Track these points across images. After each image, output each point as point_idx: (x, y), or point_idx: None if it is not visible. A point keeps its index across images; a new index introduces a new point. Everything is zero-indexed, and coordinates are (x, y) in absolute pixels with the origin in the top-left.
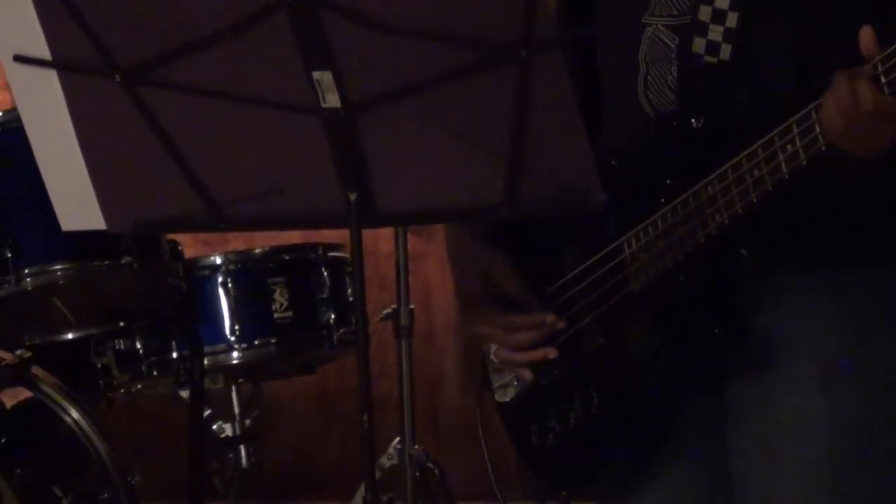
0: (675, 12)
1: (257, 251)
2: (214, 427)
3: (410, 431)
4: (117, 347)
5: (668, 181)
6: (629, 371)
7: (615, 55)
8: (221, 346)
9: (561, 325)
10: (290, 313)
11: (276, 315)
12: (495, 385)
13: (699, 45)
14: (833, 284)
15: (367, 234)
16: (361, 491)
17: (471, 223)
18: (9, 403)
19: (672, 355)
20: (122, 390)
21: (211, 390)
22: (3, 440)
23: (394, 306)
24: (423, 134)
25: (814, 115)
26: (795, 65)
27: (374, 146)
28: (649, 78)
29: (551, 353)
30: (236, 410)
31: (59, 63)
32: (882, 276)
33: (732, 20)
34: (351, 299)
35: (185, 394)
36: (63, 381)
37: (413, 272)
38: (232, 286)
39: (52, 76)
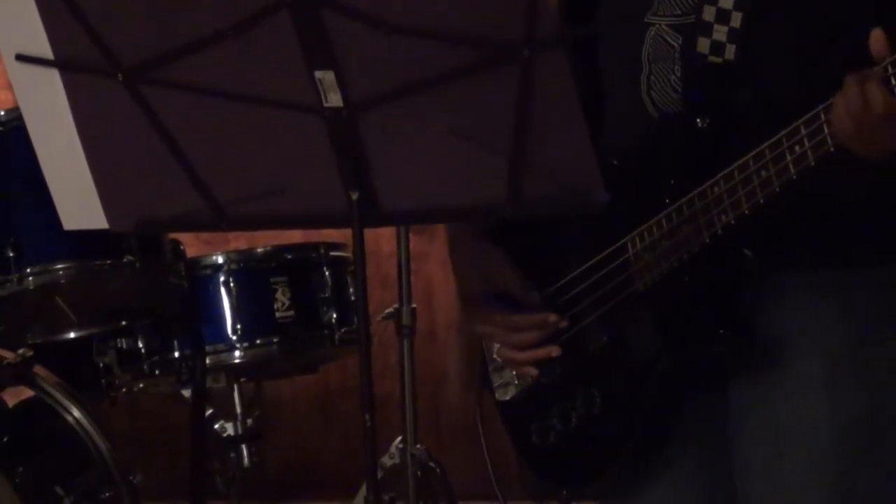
0: (679, 12)
1: (259, 250)
2: (216, 426)
3: (412, 431)
4: (119, 346)
5: (672, 181)
6: (632, 370)
7: (618, 54)
8: (223, 346)
9: (563, 324)
10: (291, 312)
11: (277, 314)
12: (496, 384)
13: (703, 45)
14: (837, 284)
15: (369, 234)
16: (363, 490)
17: (472, 223)
18: (11, 402)
19: (676, 355)
20: (123, 389)
21: (213, 389)
22: (4, 439)
23: (395, 306)
24: (424, 133)
25: (822, 117)
26: (800, 64)
27: (376, 145)
28: (652, 78)
29: (554, 351)
30: (238, 410)
31: (61, 62)
32: (885, 275)
33: (737, 20)
34: (353, 299)
35: (186, 393)
36: (65, 381)
37: (415, 272)
38: (234, 285)
39: (54, 75)
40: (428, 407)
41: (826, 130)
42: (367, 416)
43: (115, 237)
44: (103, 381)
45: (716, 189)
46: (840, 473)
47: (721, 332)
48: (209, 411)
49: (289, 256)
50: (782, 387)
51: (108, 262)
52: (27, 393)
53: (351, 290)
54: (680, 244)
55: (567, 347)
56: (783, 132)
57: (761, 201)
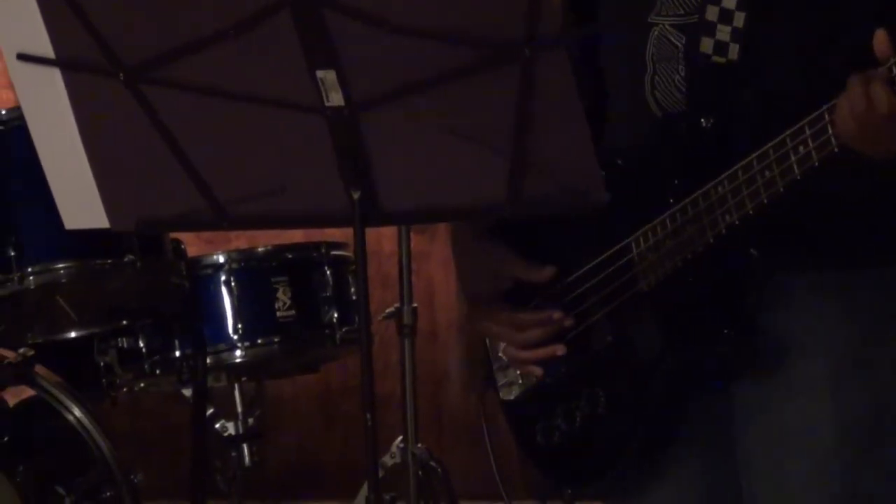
0: (682, 12)
1: (260, 250)
2: (217, 426)
3: (413, 430)
4: (120, 346)
5: (676, 181)
6: (636, 370)
7: (622, 55)
8: (224, 345)
9: (569, 322)
10: (292, 312)
11: (278, 314)
12: (500, 383)
13: (707, 45)
14: (841, 284)
15: (370, 233)
16: (364, 490)
17: (476, 222)
18: (12, 402)
19: (680, 355)
20: (124, 389)
21: (214, 389)
22: (5, 439)
23: (397, 305)
24: (426, 133)
25: (826, 117)
26: (803, 64)
27: (377, 145)
28: (656, 78)
29: (559, 350)
30: (239, 409)
31: (63, 61)
32: (890, 276)
33: (740, 20)
34: (354, 298)
35: (187, 392)
36: (66, 380)
37: (416, 271)
38: (235, 285)
39: (55, 74)
40: (429, 406)
41: (830, 131)
42: (369, 416)
43: (117, 236)
44: (104, 380)
45: (720, 189)
46: (844, 473)
47: (725, 331)
48: (210, 411)
49: (290, 256)
50: (786, 387)
51: (109, 261)
52: (28, 392)
53: (352, 289)
54: (684, 244)
55: (572, 347)
56: (787, 132)
57: (765, 201)
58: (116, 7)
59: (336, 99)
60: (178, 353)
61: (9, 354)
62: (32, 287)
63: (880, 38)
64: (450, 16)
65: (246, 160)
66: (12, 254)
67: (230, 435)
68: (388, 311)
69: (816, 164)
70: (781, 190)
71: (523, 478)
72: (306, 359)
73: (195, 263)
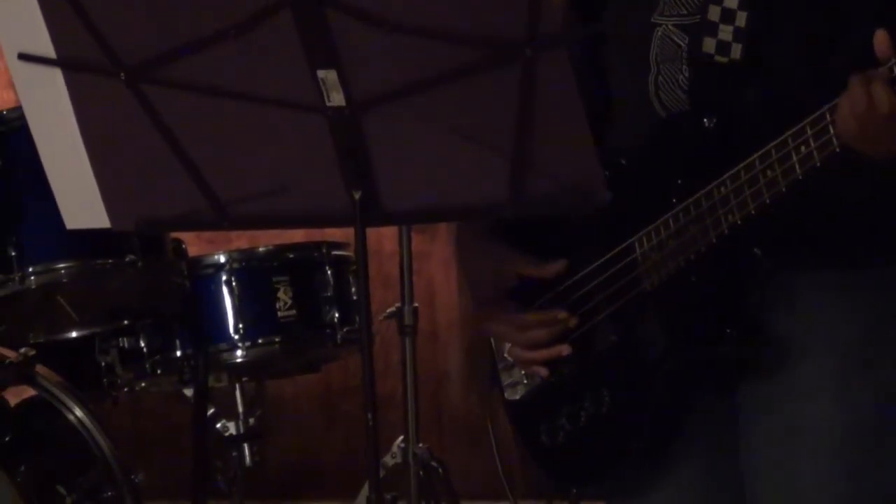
0: (685, 12)
1: (261, 250)
2: (218, 425)
3: (414, 430)
4: (121, 346)
5: (679, 181)
6: (640, 370)
7: (626, 55)
8: (225, 345)
9: (573, 321)
10: (293, 312)
11: (279, 313)
12: (505, 383)
13: (709, 44)
14: (843, 284)
15: (371, 233)
16: (365, 490)
17: (481, 223)
18: (13, 402)
19: (683, 355)
20: (125, 388)
21: (214, 389)
22: (7, 438)
23: (397, 305)
24: (427, 132)
25: (828, 117)
26: (807, 63)
27: (378, 144)
28: (660, 78)
29: (564, 349)
30: (240, 409)
31: (64, 61)
32: (891, 275)
33: (742, 19)
34: (355, 298)
35: (188, 392)
36: (67, 380)
37: (417, 271)
38: (236, 285)
39: (56, 74)
40: (430, 406)
41: (832, 131)
42: (370, 416)
43: (118, 236)
44: (105, 380)
45: (722, 189)
46: (850, 473)
47: (728, 331)
48: (211, 410)
49: (291, 256)
50: (790, 387)
51: (111, 261)
52: (29, 392)
53: (353, 289)
54: (687, 244)
55: (576, 347)
56: (789, 132)
57: (767, 201)
58: (117, 7)
59: (337, 99)
60: (178, 353)
61: (10, 354)
62: (33, 287)
63: (880, 39)
64: (451, 16)
65: (247, 160)
66: (13, 254)
67: (231, 435)
68: (388, 310)
69: (818, 164)
70: (784, 190)
71: (524, 477)
72: (307, 359)
73: (196, 263)
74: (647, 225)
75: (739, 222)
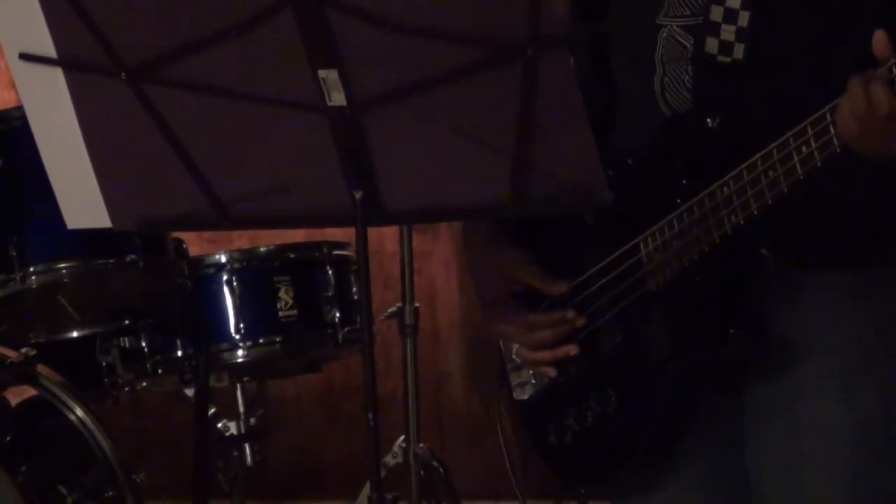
0: (689, 12)
1: (262, 249)
2: (219, 425)
3: (415, 430)
4: (122, 345)
5: (683, 181)
6: (646, 370)
7: (632, 57)
8: (226, 345)
9: (581, 321)
10: (294, 312)
11: (280, 313)
12: (513, 383)
13: (712, 45)
14: (848, 283)
15: (372, 233)
16: (366, 489)
17: (488, 224)
18: (14, 401)
19: (688, 355)
20: (126, 388)
21: (215, 388)
22: (7, 438)
23: (398, 305)
24: (428, 132)
25: (829, 117)
26: (810, 63)
27: (379, 144)
28: (666, 79)
29: (572, 349)
30: (241, 409)
31: (65, 61)
32: None
33: (745, 19)
34: (356, 297)
35: (189, 392)
36: (68, 380)
37: (418, 271)
38: (237, 284)
39: (57, 74)
40: (431, 406)
41: (832, 131)
42: (371, 415)
43: (119, 236)
44: (106, 380)
45: (725, 189)
46: (857, 473)
47: (732, 332)
48: (212, 410)
49: (292, 255)
50: (797, 387)
51: (112, 261)
52: (30, 392)
53: (354, 289)
54: (691, 244)
55: (583, 347)
56: (790, 132)
57: (769, 201)
58: (118, 6)
59: (338, 98)
60: (180, 353)
61: (11, 354)
62: (35, 287)
63: (879, 39)
64: (452, 15)
65: (248, 160)
66: (14, 254)
67: (232, 434)
68: (389, 310)
69: (819, 164)
70: (785, 190)
71: (524, 477)
72: (308, 358)
73: (197, 263)
74: (652, 225)
75: (742, 222)
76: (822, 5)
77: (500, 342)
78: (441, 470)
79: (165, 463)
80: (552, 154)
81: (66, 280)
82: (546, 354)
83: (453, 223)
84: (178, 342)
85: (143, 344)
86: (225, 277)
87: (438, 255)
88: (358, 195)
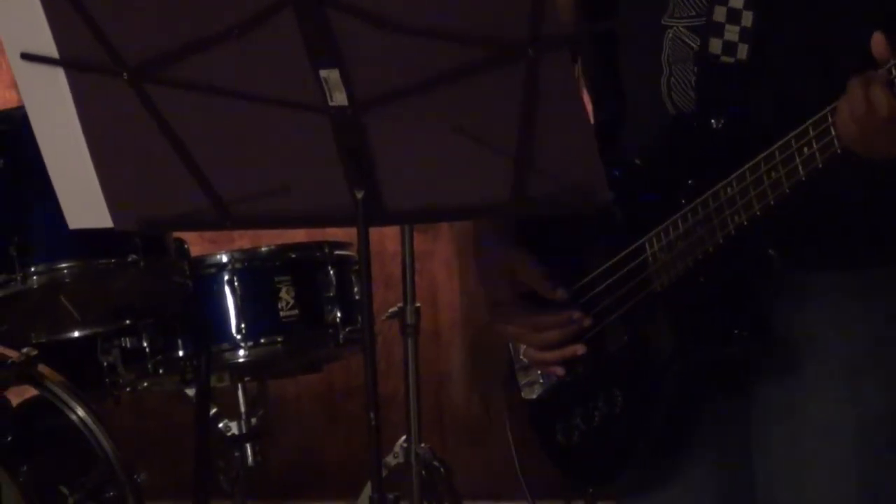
0: (693, 13)
1: (263, 249)
2: (220, 425)
3: (416, 430)
4: (123, 345)
5: (688, 181)
6: (651, 370)
7: (638, 57)
8: (227, 345)
9: (588, 322)
10: (295, 312)
11: (281, 313)
12: (522, 382)
13: (715, 45)
14: (853, 284)
15: (373, 233)
16: (367, 489)
17: (495, 225)
18: (15, 401)
19: (691, 356)
20: (128, 388)
21: (217, 388)
22: (9, 438)
23: (400, 305)
24: (430, 132)
25: (829, 118)
26: (814, 63)
27: (381, 144)
28: (672, 79)
29: (579, 349)
30: (242, 409)
31: (67, 61)
32: None
33: (748, 19)
34: (357, 298)
35: (190, 392)
36: (69, 380)
37: (419, 271)
38: (238, 284)
39: (59, 74)
40: (432, 406)
41: (833, 132)
42: (372, 415)
43: (120, 236)
44: (107, 379)
45: (728, 190)
46: (862, 473)
47: (736, 332)
48: (213, 410)
49: (293, 255)
50: (803, 387)
51: (113, 261)
52: (31, 392)
53: (355, 289)
54: (695, 245)
55: (590, 347)
56: (792, 134)
57: (772, 202)
58: (120, 6)
59: (340, 98)
60: (181, 353)
61: (12, 354)
62: (36, 287)
63: (878, 41)
64: (453, 15)
65: (249, 160)
66: (15, 254)
67: (233, 434)
68: (391, 310)
69: (820, 165)
70: (787, 191)
71: (529, 477)
72: (309, 358)
73: (198, 263)
74: (657, 225)
75: (745, 223)
76: (825, 4)
77: (510, 343)
78: (442, 470)
79: (166, 463)
80: (553, 154)
81: (67, 280)
82: (554, 354)
83: (454, 223)
84: (180, 342)
85: (145, 344)
86: (226, 277)
87: (439, 255)
88: (359, 195)
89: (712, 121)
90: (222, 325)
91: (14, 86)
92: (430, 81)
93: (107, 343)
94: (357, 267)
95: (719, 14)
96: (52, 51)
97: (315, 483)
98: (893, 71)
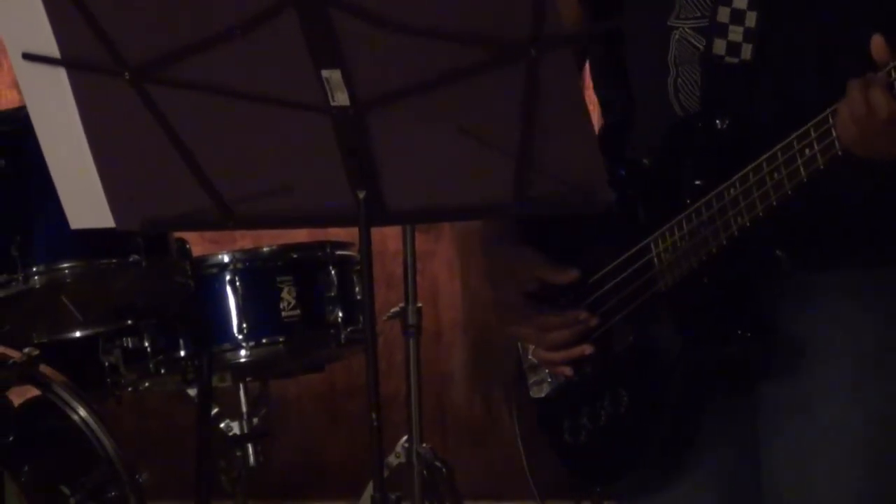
0: (699, 14)
1: (265, 249)
2: (222, 425)
3: (418, 430)
4: (125, 345)
5: (693, 182)
6: (656, 370)
7: (645, 58)
8: (229, 345)
9: (594, 321)
10: (297, 312)
11: (283, 313)
12: (530, 381)
13: (719, 46)
14: (859, 283)
15: (375, 233)
16: (369, 489)
17: (500, 227)
18: (17, 402)
19: (695, 355)
20: (129, 388)
21: (218, 388)
22: (10, 438)
23: (401, 305)
24: (431, 132)
25: (830, 120)
26: (818, 63)
27: (382, 144)
28: (679, 80)
29: (587, 349)
30: (244, 409)
31: (68, 61)
32: None
33: (752, 20)
34: (358, 298)
35: (192, 392)
36: (71, 380)
37: (420, 271)
38: (240, 284)
39: (61, 74)
40: (433, 406)
41: (834, 134)
42: (374, 415)
43: (122, 236)
44: (109, 380)
45: (732, 191)
46: (869, 475)
47: (739, 332)
48: (215, 410)
49: (295, 255)
50: (808, 388)
51: (115, 261)
52: (33, 392)
53: (357, 289)
54: (699, 245)
55: (597, 347)
56: (794, 135)
57: (774, 203)
58: (121, 6)
59: (341, 98)
60: (182, 353)
61: (14, 354)
62: (37, 287)
63: (877, 43)
64: (455, 15)
65: (251, 160)
66: (16, 254)
67: (235, 434)
68: (392, 310)
69: (822, 166)
70: (789, 192)
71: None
72: (311, 358)
73: (200, 263)
74: (663, 225)
75: (748, 224)
76: (828, 5)
77: (519, 344)
78: (444, 470)
79: (168, 463)
80: (554, 154)
81: (69, 280)
82: (561, 354)
83: (455, 223)
84: (181, 342)
85: (146, 344)
86: (228, 277)
87: (441, 255)
88: (361, 195)
89: (717, 121)
90: (224, 325)
91: (16, 86)
92: (431, 81)
93: (108, 343)
94: (359, 267)
95: (723, 15)
96: (53, 51)
97: (316, 483)
98: (893, 73)
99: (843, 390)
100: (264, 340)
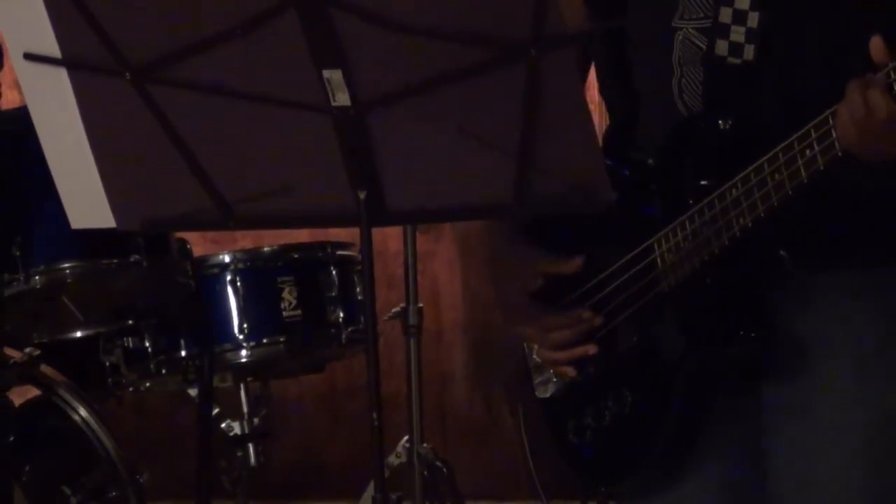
0: (702, 15)
1: (266, 250)
2: (223, 425)
3: (419, 430)
4: (126, 345)
5: (696, 182)
6: (660, 371)
7: (649, 58)
8: (230, 345)
9: (598, 320)
10: (298, 312)
11: (284, 313)
12: (536, 381)
13: (722, 47)
14: (861, 283)
15: (376, 233)
16: (370, 489)
17: (503, 228)
18: (17, 402)
19: (698, 356)
20: (130, 388)
21: (219, 389)
22: (11, 438)
23: (402, 305)
24: (432, 132)
25: (830, 121)
26: (821, 63)
27: (383, 144)
28: (683, 81)
29: (591, 349)
30: (245, 409)
31: (69, 61)
32: None
33: (754, 20)
34: (359, 298)
35: (193, 392)
36: (71, 380)
37: (421, 271)
38: (240, 285)
39: (62, 74)
40: (434, 406)
41: (834, 135)
42: (375, 415)
43: (122, 236)
44: (110, 380)
45: (734, 191)
46: (872, 474)
47: (741, 333)
48: (216, 410)
49: (296, 256)
50: (813, 387)
51: (115, 261)
52: (34, 392)
53: (358, 289)
54: (701, 246)
55: (601, 347)
56: (795, 135)
57: (775, 204)
58: (122, 6)
59: (342, 99)
60: (183, 353)
61: (14, 354)
62: (38, 287)
63: (876, 44)
64: (456, 15)
65: (252, 160)
66: (18, 254)
67: (236, 435)
68: (393, 311)
69: (822, 167)
70: (790, 192)
71: (527, 477)
72: (312, 359)
73: (201, 263)
74: (666, 226)
75: (750, 225)
76: (831, 5)
77: (524, 344)
78: (444, 470)
79: (169, 463)
80: (556, 154)
81: (69, 280)
82: (565, 354)
83: (456, 223)
84: (182, 342)
85: (147, 344)
86: (228, 277)
87: (442, 255)
88: (362, 195)
89: (720, 122)
90: (225, 326)
91: (17, 86)
92: (432, 82)
93: (109, 343)
94: (359, 267)
95: (725, 15)
96: (54, 51)
97: (317, 483)
98: (892, 74)
99: (845, 390)
100: (265, 340)
